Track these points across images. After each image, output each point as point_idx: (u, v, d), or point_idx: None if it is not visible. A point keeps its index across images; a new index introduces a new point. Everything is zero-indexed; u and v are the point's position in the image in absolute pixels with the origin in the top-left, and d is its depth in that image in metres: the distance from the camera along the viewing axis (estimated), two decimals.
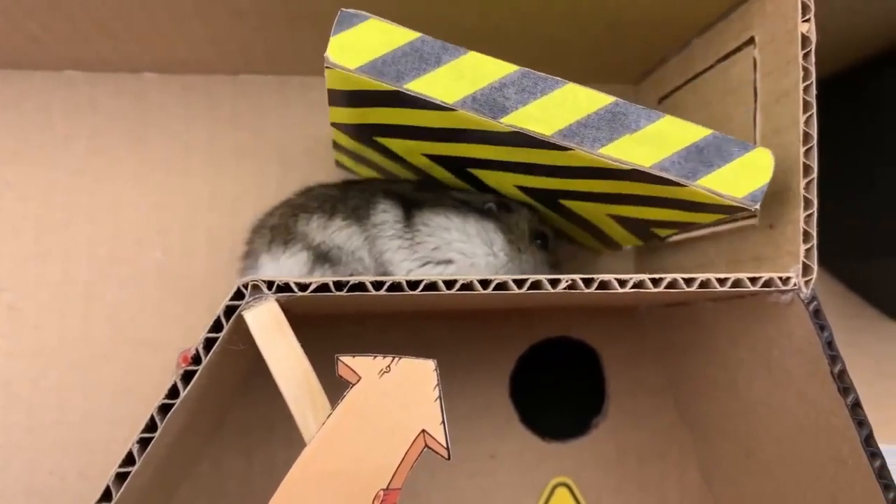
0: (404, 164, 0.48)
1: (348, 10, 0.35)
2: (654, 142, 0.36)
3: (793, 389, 0.41)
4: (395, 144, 0.44)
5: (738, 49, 0.44)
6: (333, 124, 0.44)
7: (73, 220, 0.53)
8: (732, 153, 0.37)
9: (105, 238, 0.54)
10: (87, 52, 0.51)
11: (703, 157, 0.36)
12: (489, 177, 0.46)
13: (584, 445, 0.57)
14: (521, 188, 0.47)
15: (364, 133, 0.43)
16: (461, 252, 0.45)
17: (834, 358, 0.38)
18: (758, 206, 0.37)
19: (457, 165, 0.45)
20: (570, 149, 0.36)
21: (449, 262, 0.45)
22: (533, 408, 0.57)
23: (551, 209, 0.49)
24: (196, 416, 0.43)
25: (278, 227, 0.46)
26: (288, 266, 0.44)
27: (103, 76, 0.54)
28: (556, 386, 0.58)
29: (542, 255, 0.48)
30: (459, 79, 0.35)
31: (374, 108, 0.38)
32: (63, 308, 0.53)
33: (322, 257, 0.44)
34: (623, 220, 0.47)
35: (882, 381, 0.61)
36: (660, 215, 0.43)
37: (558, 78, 0.36)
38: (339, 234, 0.44)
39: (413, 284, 0.35)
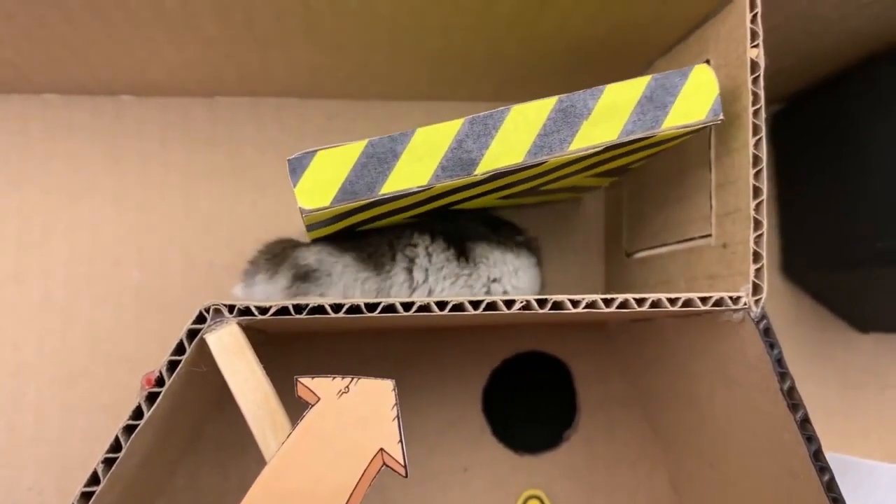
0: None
1: (293, 156, 0.36)
2: (610, 114, 0.38)
3: (748, 404, 0.42)
4: (378, 224, 0.45)
5: None
6: (314, 239, 0.45)
7: (52, 239, 0.55)
8: (677, 84, 0.38)
9: (83, 257, 0.55)
10: (64, 76, 0.52)
11: (656, 103, 0.38)
12: (473, 204, 0.47)
13: (556, 458, 0.58)
14: (504, 198, 0.48)
15: (346, 230, 0.45)
16: (515, 286, 0.47)
17: (783, 375, 0.39)
18: (722, 116, 0.38)
19: (440, 211, 0.46)
20: (545, 161, 0.37)
21: (504, 293, 0.47)
22: (506, 421, 0.58)
23: (533, 196, 0.50)
24: (167, 433, 0.44)
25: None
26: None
27: (81, 99, 0.55)
28: (529, 399, 0.59)
29: None
30: (421, 158, 0.36)
31: (355, 216, 0.40)
32: (41, 326, 0.54)
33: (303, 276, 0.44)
34: (602, 174, 0.48)
35: (849, 392, 0.62)
36: (636, 157, 0.44)
37: (501, 107, 0.37)
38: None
39: (371, 307, 0.36)
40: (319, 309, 0.36)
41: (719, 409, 0.46)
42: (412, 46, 0.48)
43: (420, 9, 0.43)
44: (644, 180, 0.53)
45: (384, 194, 0.36)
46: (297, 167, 0.36)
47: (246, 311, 0.36)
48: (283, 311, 0.36)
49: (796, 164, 0.60)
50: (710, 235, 0.43)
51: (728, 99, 0.42)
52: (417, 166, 0.36)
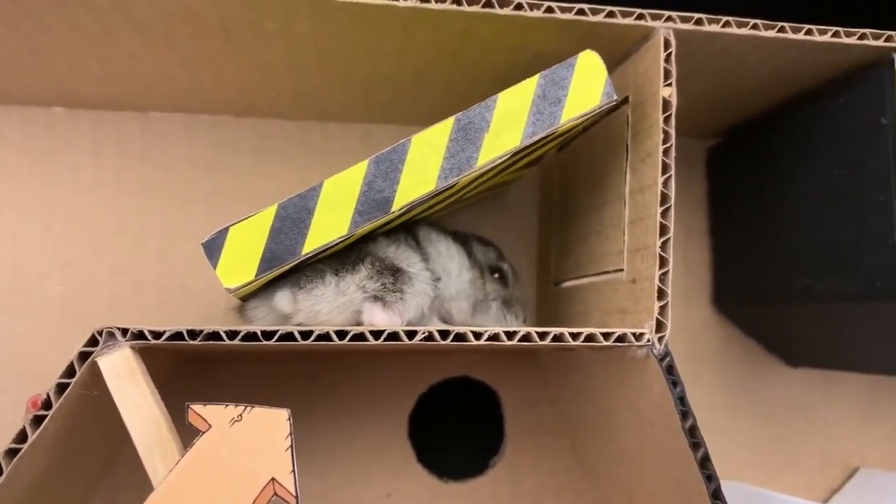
0: None
1: (206, 238, 0.36)
2: (509, 121, 0.38)
3: (657, 442, 0.43)
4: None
5: (617, 107, 0.46)
6: None
7: None
8: (566, 76, 0.39)
9: (5, 270, 0.54)
10: None
11: (550, 100, 0.38)
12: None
13: (480, 486, 0.57)
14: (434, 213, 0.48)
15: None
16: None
17: (685, 413, 0.39)
18: (615, 97, 0.39)
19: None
20: (459, 180, 0.37)
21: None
22: (431, 448, 0.57)
23: (460, 203, 0.50)
24: (69, 456, 0.43)
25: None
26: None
27: (11, 108, 0.55)
28: (456, 426, 0.59)
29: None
30: (335, 209, 0.36)
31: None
32: None
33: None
34: (522, 168, 0.48)
35: (777, 426, 0.62)
36: (551, 146, 0.45)
37: (402, 140, 0.37)
38: None
39: (268, 335, 0.36)
40: (214, 335, 0.35)
41: (633, 443, 0.46)
42: (340, 70, 0.48)
43: (341, 34, 0.43)
44: (570, 212, 0.53)
45: (307, 253, 0.36)
46: (212, 248, 0.36)
47: (139, 335, 0.35)
48: (177, 336, 0.35)
49: (728, 198, 0.61)
50: (622, 270, 0.43)
51: (642, 136, 0.42)
52: (334, 218, 0.37)
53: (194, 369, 0.55)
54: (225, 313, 0.55)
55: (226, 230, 0.36)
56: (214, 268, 0.36)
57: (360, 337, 0.36)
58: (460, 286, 0.46)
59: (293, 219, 0.36)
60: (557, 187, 0.56)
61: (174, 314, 0.55)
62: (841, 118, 0.47)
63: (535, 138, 0.38)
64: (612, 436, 0.50)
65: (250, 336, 0.36)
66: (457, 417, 0.59)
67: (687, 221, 0.63)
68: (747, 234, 0.57)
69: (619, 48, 0.44)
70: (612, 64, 0.46)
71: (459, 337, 0.37)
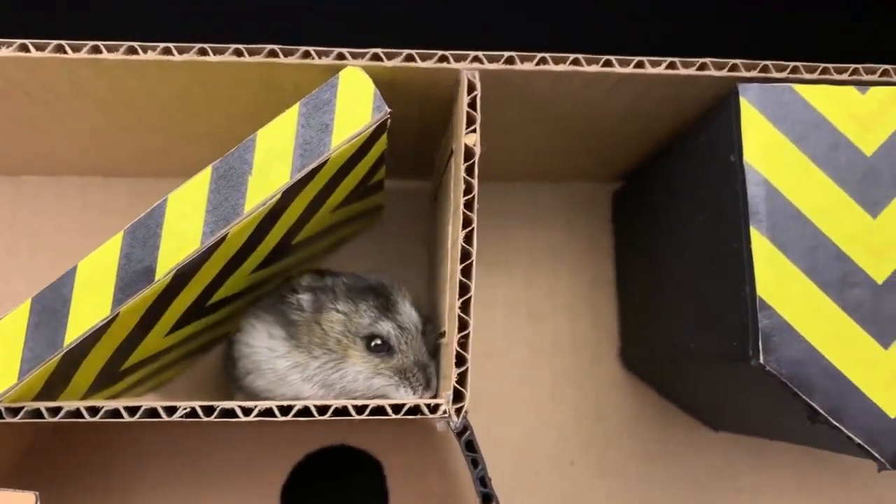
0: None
1: None
2: (273, 159, 0.35)
3: None
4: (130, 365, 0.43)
5: (450, 157, 0.43)
6: None
7: None
8: (329, 99, 0.36)
9: None
10: None
11: (316, 128, 0.36)
12: (225, 292, 0.44)
13: None
14: (254, 271, 0.45)
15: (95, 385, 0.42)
16: None
17: (487, 497, 0.34)
18: (388, 110, 0.36)
19: (196, 313, 0.43)
20: (226, 234, 0.35)
21: None
22: None
23: (294, 252, 0.47)
24: None
25: None
26: None
27: None
28: (334, 500, 0.55)
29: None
30: (94, 290, 0.35)
31: (78, 371, 0.38)
32: None
33: None
34: (342, 204, 0.45)
35: (700, 495, 0.56)
36: (357, 178, 0.42)
37: (154, 204, 0.35)
38: None
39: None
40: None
41: None
42: (170, 127, 0.46)
43: (142, 92, 0.41)
44: (434, 269, 0.50)
45: (71, 343, 0.34)
46: None
47: None
48: None
49: (627, 245, 0.56)
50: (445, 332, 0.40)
51: (456, 188, 0.39)
52: (93, 300, 0.35)
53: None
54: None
55: None
56: None
57: (114, 413, 0.34)
58: (274, 378, 0.42)
59: (50, 310, 0.35)
60: (430, 243, 0.53)
61: None
62: (701, 157, 0.43)
63: (307, 170, 0.35)
64: None
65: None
66: (336, 490, 0.55)
67: (593, 270, 0.59)
68: (640, 284, 0.53)
69: (436, 94, 0.41)
70: (445, 110, 0.43)
71: (226, 413, 0.34)
